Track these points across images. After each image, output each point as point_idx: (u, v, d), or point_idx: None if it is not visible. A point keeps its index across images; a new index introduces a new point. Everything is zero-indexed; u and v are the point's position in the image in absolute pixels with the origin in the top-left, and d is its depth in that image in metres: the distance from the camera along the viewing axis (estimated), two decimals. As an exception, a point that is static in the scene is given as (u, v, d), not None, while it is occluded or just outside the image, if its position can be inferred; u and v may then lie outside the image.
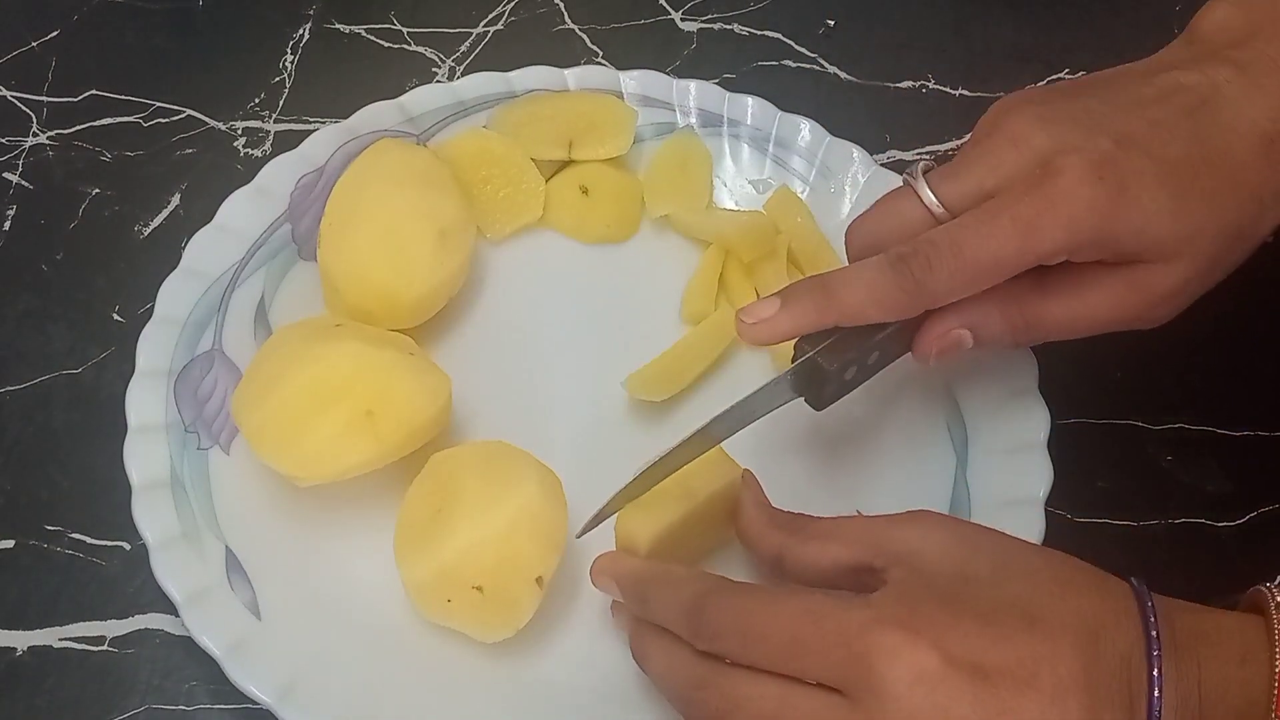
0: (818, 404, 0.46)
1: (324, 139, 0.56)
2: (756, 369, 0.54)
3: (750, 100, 0.60)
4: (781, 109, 0.59)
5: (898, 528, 0.39)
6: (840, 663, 0.35)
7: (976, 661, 0.34)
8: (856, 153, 0.58)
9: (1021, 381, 0.51)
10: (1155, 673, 0.35)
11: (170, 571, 0.45)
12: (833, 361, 0.45)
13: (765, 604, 0.37)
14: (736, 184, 0.59)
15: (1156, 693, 0.34)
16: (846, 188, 0.58)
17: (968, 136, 0.61)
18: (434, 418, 0.48)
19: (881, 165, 0.58)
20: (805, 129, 0.59)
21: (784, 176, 0.58)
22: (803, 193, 0.58)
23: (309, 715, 0.43)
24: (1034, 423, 0.50)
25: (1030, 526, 0.47)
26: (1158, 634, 0.35)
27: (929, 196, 0.43)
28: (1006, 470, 0.49)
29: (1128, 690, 0.35)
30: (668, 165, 0.58)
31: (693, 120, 0.59)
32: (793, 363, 0.46)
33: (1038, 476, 0.49)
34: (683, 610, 0.39)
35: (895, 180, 0.56)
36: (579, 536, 0.45)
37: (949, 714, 0.34)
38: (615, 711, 0.45)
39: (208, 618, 0.44)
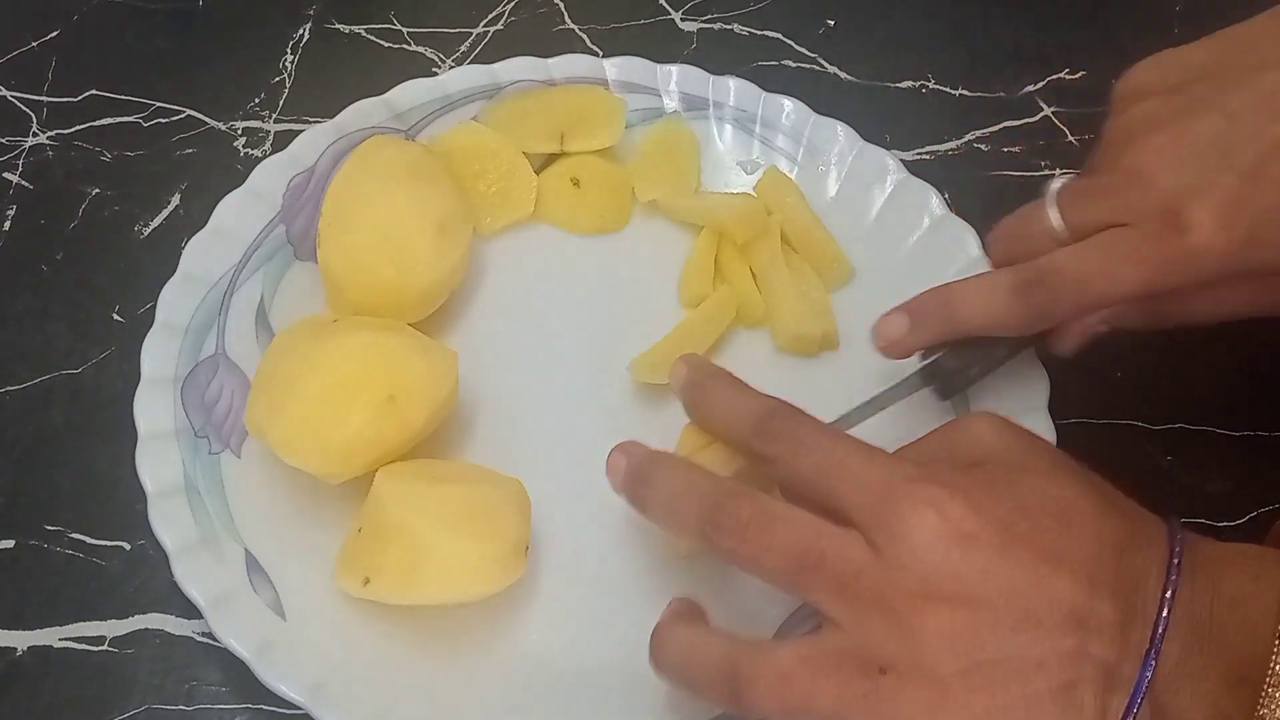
0: (944, 396, 0.49)
1: (312, 139, 0.56)
2: (759, 347, 0.54)
3: (733, 81, 0.60)
4: (781, 108, 0.60)
5: (953, 439, 0.40)
6: (875, 495, 0.36)
7: (1005, 531, 0.35)
8: (841, 130, 0.58)
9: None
10: (1168, 592, 0.35)
11: (192, 577, 0.45)
12: (957, 362, 0.47)
13: (831, 430, 0.40)
14: (725, 166, 0.59)
15: (1164, 611, 0.35)
16: (834, 165, 0.58)
17: (968, 137, 0.63)
18: (450, 393, 0.48)
19: (868, 143, 0.58)
20: (789, 107, 0.59)
21: (771, 157, 0.59)
22: (791, 171, 0.58)
23: (342, 712, 0.43)
24: (1033, 387, 0.50)
25: None
26: (1181, 551, 0.36)
27: (1059, 223, 0.45)
28: None
29: (1136, 601, 0.36)
30: (655, 151, 0.58)
31: (677, 104, 0.60)
32: (921, 363, 0.48)
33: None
34: (754, 413, 0.41)
35: (883, 157, 0.57)
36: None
37: (960, 577, 0.35)
38: (641, 693, 0.45)
39: (233, 621, 0.44)
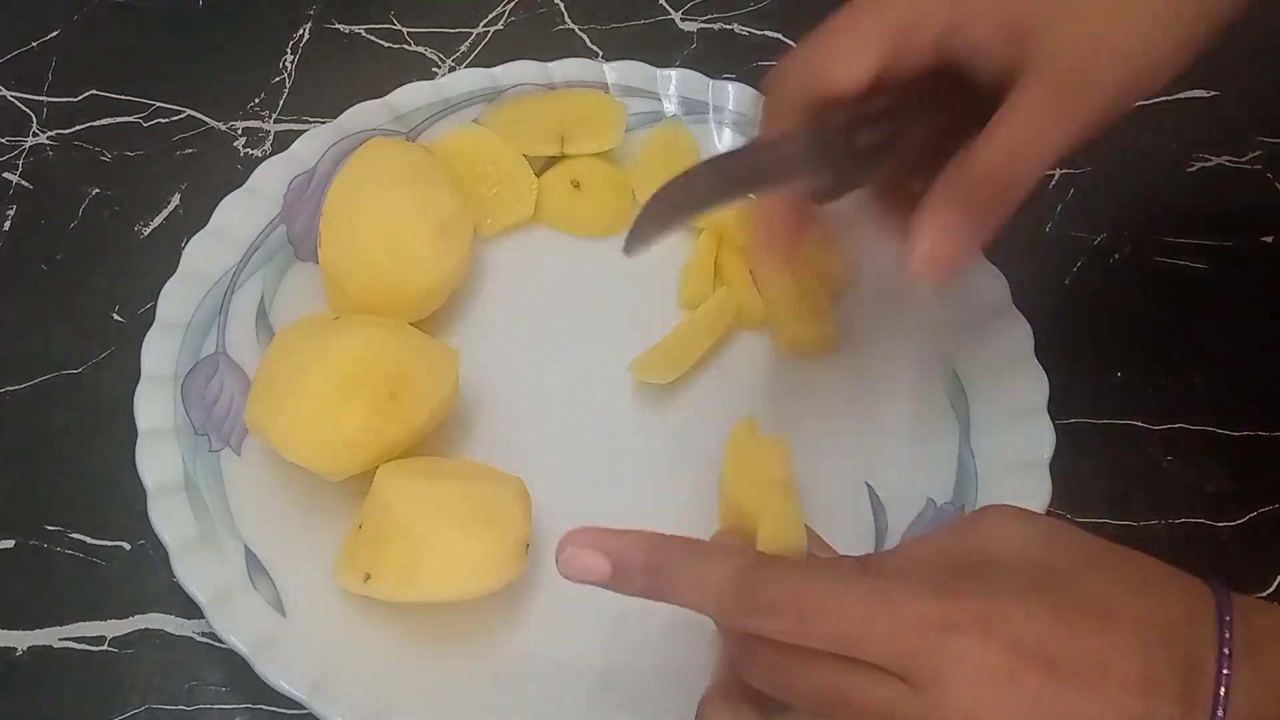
0: (843, 176, 0.43)
1: (313, 140, 0.56)
2: (758, 349, 0.54)
3: (731, 86, 0.60)
4: (781, 109, 0.59)
5: (970, 536, 0.37)
6: (910, 649, 0.34)
7: (1047, 656, 0.34)
8: None
9: (1017, 348, 0.51)
10: (1225, 671, 0.34)
11: (192, 574, 0.45)
12: (841, 116, 0.42)
13: (832, 581, 0.35)
14: None
15: (1223, 692, 0.34)
16: None
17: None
18: (451, 390, 0.48)
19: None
20: None
21: None
22: None
23: (342, 708, 0.43)
24: (1033, 387, 0.50)
25: (1036, 489, 0.47)
26: (1230, 634, 0.34)
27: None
28: (1009, 435, 0.50)
29: (1192, 691, 0.34)
30: (654, 155, 0.58)
31: (676, 109, 0.60)
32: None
33: (1040, 439, 0.49)
34: (727, 582, 0.36)
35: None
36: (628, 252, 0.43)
37: (1006, 712, 0.33)
38: (642, 693, 0.45)
39: (233, 618, 0.44)
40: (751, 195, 0.45)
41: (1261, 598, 0.49)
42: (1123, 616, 0.34)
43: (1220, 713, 0.33)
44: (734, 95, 0.60)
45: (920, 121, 0.43)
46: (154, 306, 0.51)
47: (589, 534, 0.38)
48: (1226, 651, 0.34)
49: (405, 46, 0.66)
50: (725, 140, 0.59)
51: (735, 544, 0.39)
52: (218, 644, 0.45)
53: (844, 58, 0.42)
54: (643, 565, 0.38)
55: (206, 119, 0.62)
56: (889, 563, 0.39)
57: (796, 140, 0.42)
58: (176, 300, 0.51)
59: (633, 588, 0.38)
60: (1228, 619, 0.35)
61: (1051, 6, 0.40)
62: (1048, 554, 0.36)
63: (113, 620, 0.48)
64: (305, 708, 0.43)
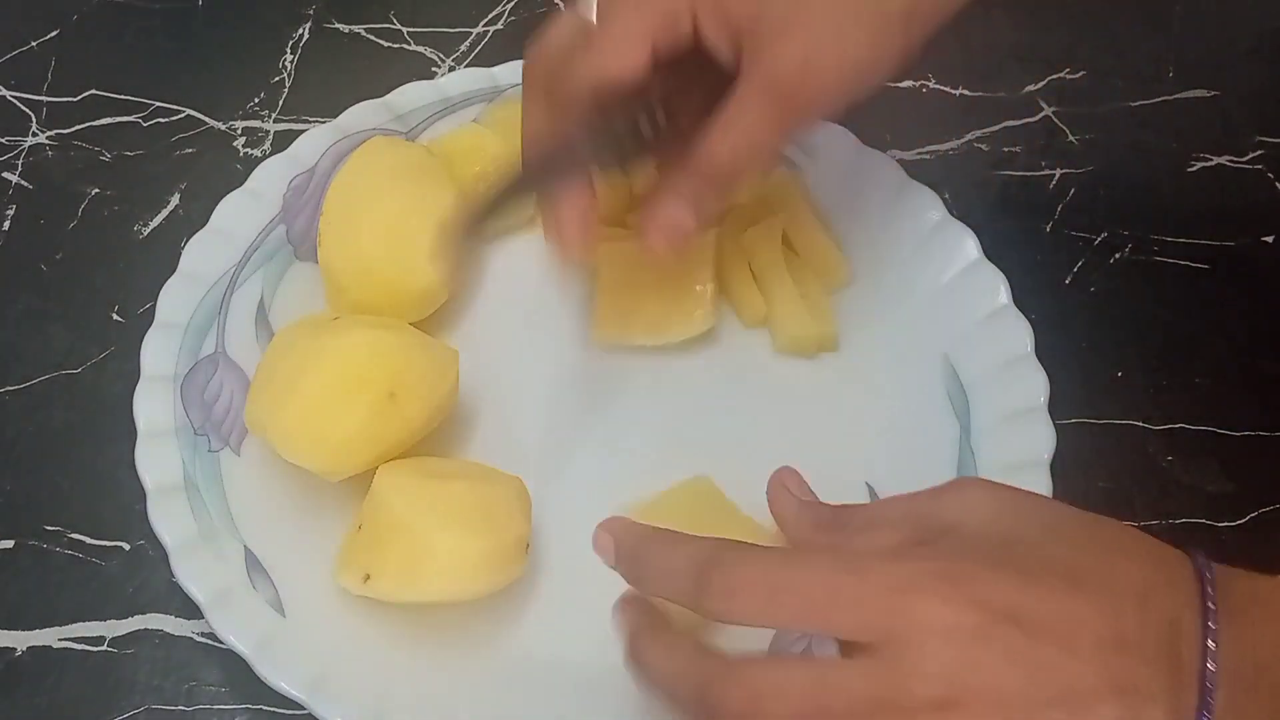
0: (619, 163, 0.46)
1: (313, 140, 0.56)
2: (758, 349, 0.54)
3: None
4: (781, 109, 0.59)
5: (941, 500, 0.38)
6: (879, 613, 0.34)
7: (1016, 614, 0.33)
8: (840, 133, 0.58)
9: (1017, 348, 0.51)
10: (1210, 642, 0.34)
11: (192, 574, 0.45)
12: (620, 115, 0.44)
13: (795, 559, 0.36)
14: None
15: (1210, 665, 0.33)
16: (833, 168, 0.58)
17: (969, 136, 0.63)
18: (450, 390, 0.48)
19: (867, 146, 0.58)
20: None
21: None
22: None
23: (341, 708, 0.43)
24: (1033, 387, 0.50)
25: (1036, 489, 0.47)
26: (1213, 595, 0.34)
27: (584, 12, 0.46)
28: (1009, 435, 0.50)
29: (1174, 654, 0.34)
30: None
31: None
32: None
33: (1040, 439, 0.49)
34: (691, 566, 0.36)
35: (883, 161, 0.57)
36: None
37: (982, 669, 0.33)
38: (651, 699, 0.45)
39: (233, 617, 0.44)
40: (543, 192, 0.48)
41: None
42: (1092, 580, 0.34)
43: (1211, 666, 0.33)
44: None
45: (692, 94, 0.45)
46: (154, 306, 0.51)
47: (610, 522, 0.41)
48: (1211, 606, 0.34)
49: (405, 46, 0.66)
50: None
51: (696, 536, 0.39)
52: (217, 644, 0.45)
53: (620, 49, 0.44)
54: (626, 552, 0.39)
55: (206, 119, 0.62)
56: (859, 515, 0.40)
57: (585, 137, 0.45)
58: (176, 300, 0.51)
59: (623, 574, 0.40)
60: (1209, 577, 0.35)
61: (772, 18, 0.42)
62: (1016, 523, 0.37)
63: (113, 620, 0.48)
64: (304, 708, 0.43)
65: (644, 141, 0.45)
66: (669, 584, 0.37)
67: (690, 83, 0.45)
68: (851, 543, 0.40)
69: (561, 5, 0.68)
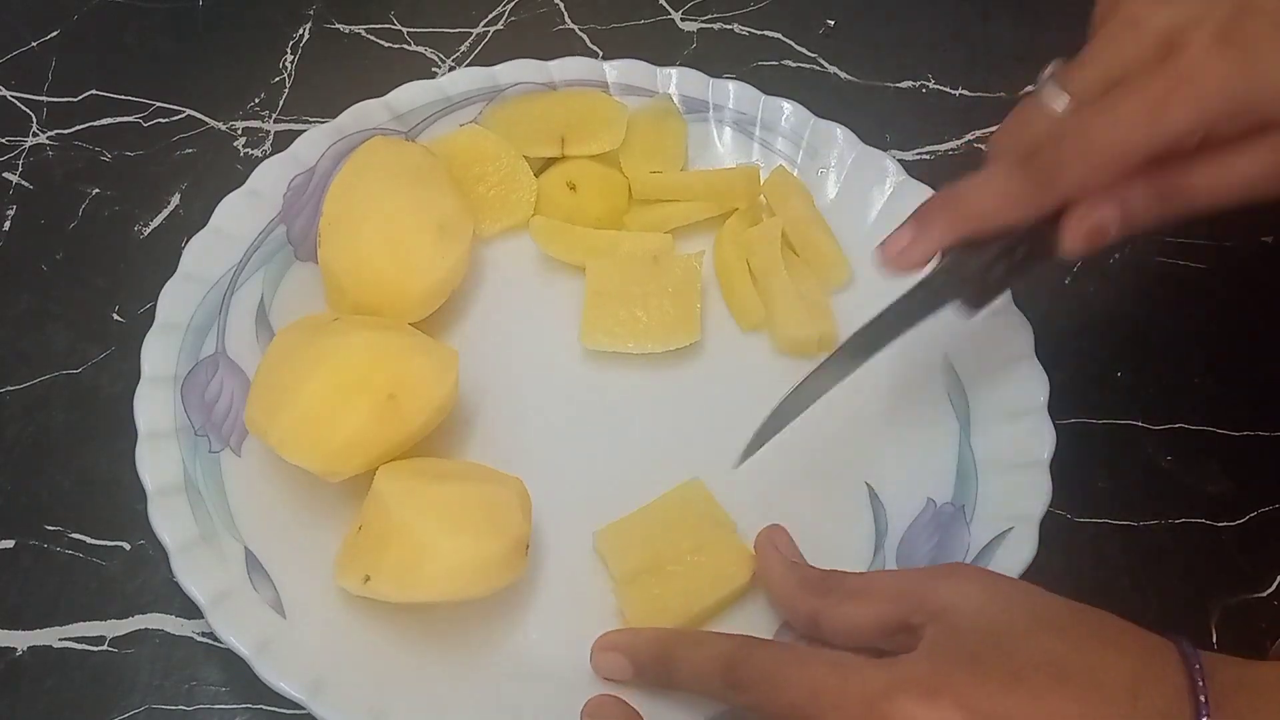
0: (974, 305, 0.46)
1: (313, 139, 0.56)
2: (758, 349, 0.54)
3: (732, 84, 0.60)
4: (781, 108, 0.60)
5: (933, 583, 0.39)
6: (857, 715, 0.35)
7: (1001, 716, 0.33)
8: (841, 132, 0.58)
9: (1017, 348, 0.51)
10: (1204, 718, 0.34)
11: (192, 575, 0.45)
12: (978, 261, 0.44)
13: (795, 655, 0.39)
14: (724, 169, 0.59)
15: None
16: (833, 168, 0.58)
17: (969, 136, 0.63)
18: (450, 392, 0.48)
19: (867, 145, 0.58)
20: (788, 110, 0.59)
21: (770, 159, 0.59)
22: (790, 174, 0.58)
23: (341, 710, 0.43)
24: (1033, 387, 0.50)
25: (1036, 489, 0.48)
26: (1205, 685, 0.34)
27: (1062, 96, 0.41)
28: (1009, 435, 0.50)
29: None
30: (644, 129, 0.58)
31: (676, 105, 0.60)
32: (939, 266, 0.45)
33: (1040, 439, 0.49)
34: (719, 665, 0.40)
35: (882, 160, 0.57)
36: (738, 466, 0.47)
37: None
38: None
39: (233, 618, 0.44)
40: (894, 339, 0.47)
41: (1261, 598, 0.50)
42: (1080, 675, 0.34)
43: None
44: (734, 94, 0.60)
45: (1041, 242, 0.43)
46: (154, 306, 0.51)
47: (611, 637, 0.45)
48: (1203, 700, 0.34)
49: (405, 46, 0.66)
50: (725, 139, 0.59)
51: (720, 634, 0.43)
52: (218, 644, 0.45)
53: (1109, 168, 0.40)
54: (652, 659, 0.43)
55: (206, 119, 0.62)
56: (848, 581, 0.41)
57: (943, 281, 0.45)
58: (176, 300, 0.51)
59: (650, 680, 0.44)
60: (1198, 668, 0.35)
61: None
62: (1004, 614, 0.37)
63: (113, 620, 0.48)
64: (305, 708, 0.43)
65: (996, 285, 0.45)
66: (698, 683, 0.41)
67: (1043, 231, 0.43)
68: (840, 609, 0.41)
69: (561, 6, 0.68)
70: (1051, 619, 0.37)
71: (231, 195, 0.54)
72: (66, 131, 0.62)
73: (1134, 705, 0.34)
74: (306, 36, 0.66)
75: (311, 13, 0.67)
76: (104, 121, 0.62)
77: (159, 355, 0.50)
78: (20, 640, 0.47)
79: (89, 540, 0.50)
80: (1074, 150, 0.40)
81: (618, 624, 0.47)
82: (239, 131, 0.62)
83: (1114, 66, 0.40)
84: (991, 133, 0.62)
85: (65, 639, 0.48)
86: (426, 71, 0.64)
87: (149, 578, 0.49)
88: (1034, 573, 0.46)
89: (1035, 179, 0.41)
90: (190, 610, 0.46)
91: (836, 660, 0.37)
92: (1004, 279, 0.45)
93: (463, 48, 0.66)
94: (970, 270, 0.44)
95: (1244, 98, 0.38)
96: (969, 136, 0.63)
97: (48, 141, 0.62)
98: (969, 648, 0.35)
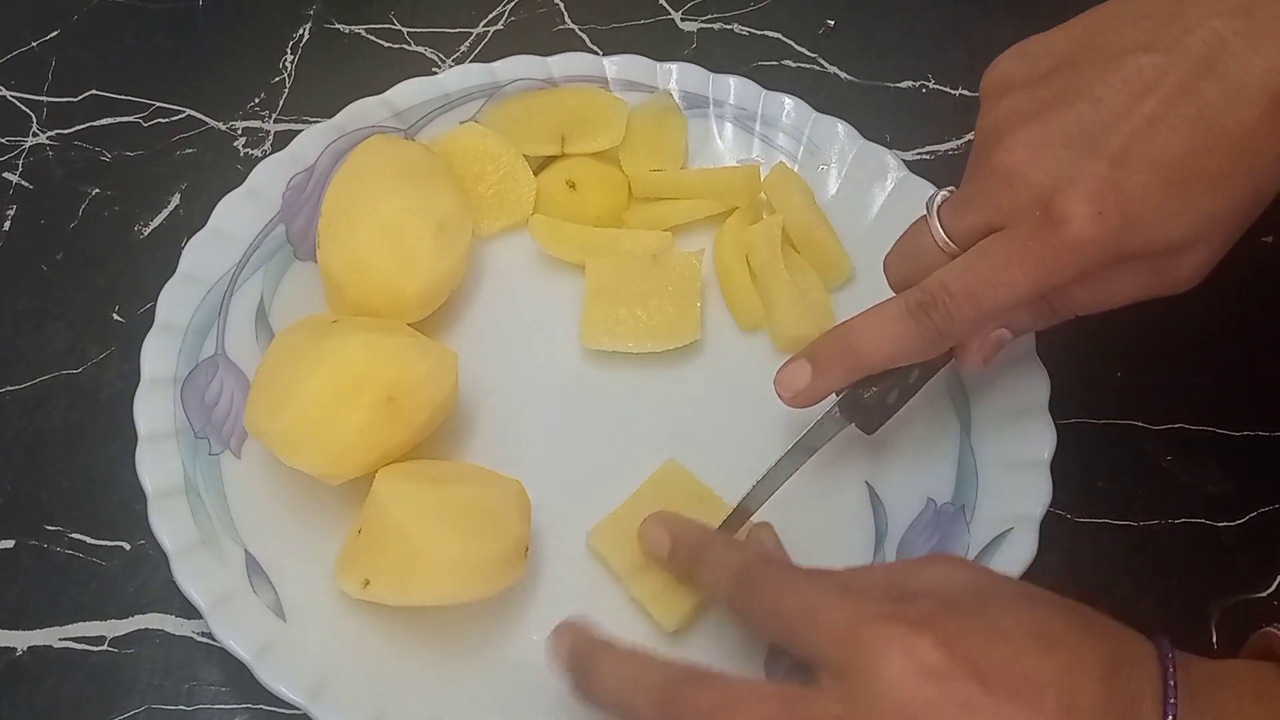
0: (868, 430, 0.48)
1: (312, 138, 0.56)
2: (759, 348, 0.54)
3: (733, 80, 0.60)
4: (781, 108, 0.60)
5: (917, 569, 0.39)
6: (841, 641, 0.35)
7: (980, 665, 0.34)
8: (842, 128, 0.58)
9: (1018, 348, 0.51)
10: (1171, 701, 0.34)
11: (192, 577, 0.45)
12: (870, 389, 0.47)
13: (801, 578, 0.39)
14: (725, 165, 0.59)
15: None
16: (834, 164, 0.58)
17: (968, 137, 0.63)
18: (449, 394, 0.48)
19: (868, 141, 0.58)
20: (789, 106, 0.59)
21: (771, 155, 0.59)
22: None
23: (341, 713, 0.43)
24: (1033, 387, 0.50)
25: (1036, 489, 0.48)
26: (1175, 683, 0.35)
27: (941, 236, 0.44)
28: (1009, 435, 0.50)
29: None
30: (644, 126, 0.59)
31: (678, 102, 0.60)
32: (837, 399, 0.48)
33: (1040, 439, 0.49)
34: (733, 571, 0.41)
35: (883, 156, 0.57)
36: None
37: (940, 709, 0.33)
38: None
39: (233, 621, 0.44)
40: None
41: (1260, 598, 0.50)
42: (1061, 647, 0.35)
43: None
44: (735, 89, 0.60)
45: (932, 366, 0.48)
46: (154, 306, 0.51)
47: (664, 517, 0.46)
48: (1172, 683, 0.35)
49: (405, 46, 0.66)
50: (726, 135, 0.59)
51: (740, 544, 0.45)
52: (217, 644, 0.45)
53: (989, 321, 0.44)
54: (687, 549, 0.44)
55: (206, 119, 0.62)
56: (838, 574, 0.41)
57: (841, 411, 0.48)
58: (176, 301, 0.51)
59: (676, 567, 0.45)
60: (1170, 657, 0.35)
61: (1176, 243, 0.41)
62: (992, 587, 0.38)
63: (113, 620, 0.48)
64: (304, 712, 0.43)
65: (890, 408, 0.48)
66: (716, 579, 0.42)
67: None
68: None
69: (561, 6, 0.68)
70: (1038, 595, 0.38)
71: (231, 195, 0.54)
72: (66, 131, 0.62)
73: (1109, 685, 0.34)
74: (306, 36, 0.66)
75: (311, 13, 0.67)
76: (104, 121, 0.62)
77: (159, 357, 0.50)
78: (20, 640, 0.48)
79: (89, 540, 0.50)
80: (965, 313, 0.43)
81: (623, 619, 0.47)
82: (239, 131, 0.62)
83: (994, 218, 0.42)
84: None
85: (65, 639, 0.48)
86: (426, 71, 0.64)
87: (149, 578, 0.49)
88: (1034, 573, 0.46)
89: (926, 332, 0.44)
90: (190, 610, 0.46)
91: (836, 588, 0.37)
92: (899, 403, 0.48)
93: (463, 48, 0.66)
94: (866, 400, 0.47)
95: (1118, 252, 0.41)
96: (969, 137, 0.63)
97: (48, 141, 0.62)
98: (959, 605, 0.36)
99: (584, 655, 0.40)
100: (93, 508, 0.50)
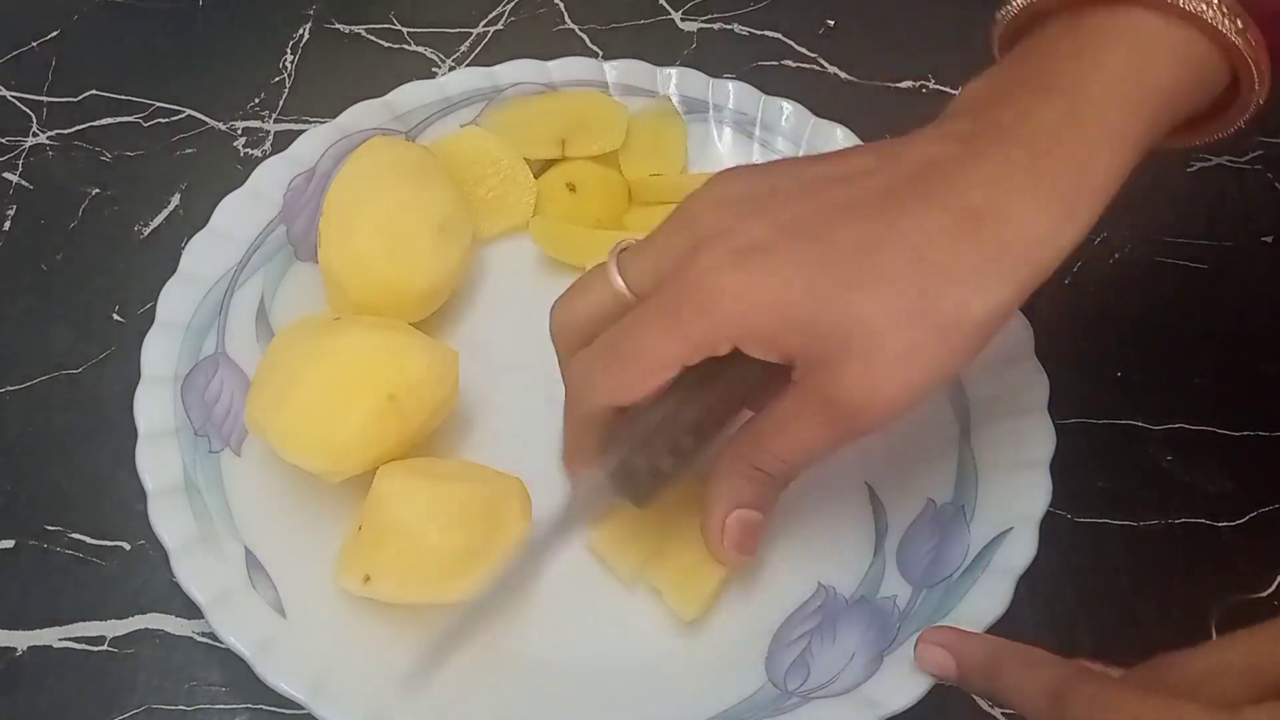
0: (641, 502, 0.44)
1: (313, 139, 0.56)
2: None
3: (732, 84, 0.60)
4: (781, 108, 0.60)
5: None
6: None
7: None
8: (841, 133, 0.58)
9: (1017, 348, 0.51)
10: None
11: (192, 575, 0.45)
12: (642, 454, 0.43)
13: (1135, 695, 0.35)
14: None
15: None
16: None
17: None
18: (450, 392, 0.48)
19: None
20: (789, 110, 0.59)
21: (770, 160, 0.59)
22: None
23: (342, 710, 0.43)
24: (1033, 387, 0.50)
25: (1036, 489, 0.47)
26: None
27: (617, 281, 0.43)
28: (1009, 435, 0.50)
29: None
30: (644, 130, 0.58)
31: (677, 107, 0.60)
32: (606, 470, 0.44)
33: (1040, 439, 0.49)
34: (1043, 691, 0.37)
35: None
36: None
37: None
38: (641, 693, 0.45)
39: (233, 618, 0.44)
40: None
41: (1261, 598, 0.50)
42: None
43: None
44: (734, 94, 0.60)
45: (724, 387, 0.43)
46: (154, 306, 0.51)
47: (939, 634, 0.43)
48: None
49: (405, 46, 0.66)
50: (725, 139, 0.59)
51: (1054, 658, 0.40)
52: (218, 644, 0.45)
53: (642, 381, 0.41)
54: (980, 669, 0.41)
55: (206, 119, 0.62)
56: (1172, 680, 0.37)
57: (606, 480, 0.44)
58: (176, 300, 0.51)
59: (972, 687, 0.42)
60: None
61: (829, 339, 0.39)
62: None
63: (113, 620, 0.48)
64: (305, 708, 0.43)
65: (666, 476, 0.44)
66: (1024, 700, 0.38)
67: (723, 370, 0.42)
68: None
69: (561, 6, 0.68)
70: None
71: (231, 195, 0.54)
72: (66, 131, 0.62)
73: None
74: (306, 36, 0.66)
75: (311, 13, 0.67)
76: (104, 121, 0.62)
77: (159, 355, 0.50)
78: (20, 640, 0.48)
79: (89, 540, 0.50)
80: (623, 361, 0.41)
81: (624, 618, 0.47)
82: (239, 131, 0.62)
83: (663, 262, 0.41)
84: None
85: (65, 639, 0.48)
86: (426, 71, 0.64)
87: (149, 578, 0.49)
88: (1034, 573, 0.46)
89: (609, 382, 0.42)
90: (190, 610, 0.46)
91: (1170, 705, 0.34)
92: (674, 471, 0.44)
93: (463, 48, 0.66)
94: (637, 468, 0.43)
95: (757, 317, 0.39)
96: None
97: (48, 141, 0.62)
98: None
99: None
100: (93, 508, 0.50)
